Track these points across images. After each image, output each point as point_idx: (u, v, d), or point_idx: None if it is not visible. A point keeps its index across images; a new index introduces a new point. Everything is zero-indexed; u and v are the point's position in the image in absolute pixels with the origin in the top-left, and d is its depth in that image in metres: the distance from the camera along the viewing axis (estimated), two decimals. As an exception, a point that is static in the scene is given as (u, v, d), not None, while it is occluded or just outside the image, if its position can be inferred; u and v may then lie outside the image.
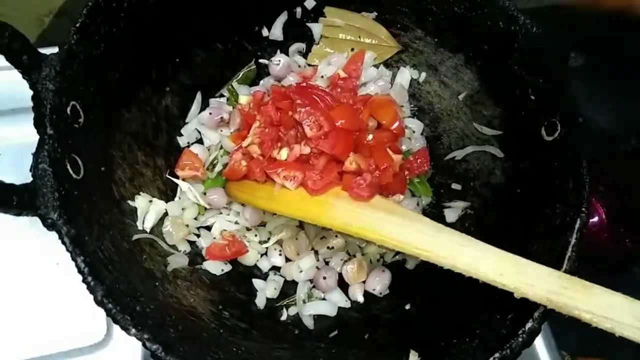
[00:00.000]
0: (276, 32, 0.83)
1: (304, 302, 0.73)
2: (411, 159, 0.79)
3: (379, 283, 0.74)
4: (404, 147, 0.80)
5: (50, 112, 0.54)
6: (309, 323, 0.72)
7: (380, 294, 0.74)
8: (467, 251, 0.55)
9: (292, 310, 0.73)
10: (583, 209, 0.58)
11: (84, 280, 0.50)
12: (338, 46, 0.84)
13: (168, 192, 0.75)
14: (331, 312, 0.73)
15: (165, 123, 0.78)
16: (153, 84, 0.75)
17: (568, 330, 0.84)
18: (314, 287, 0.75)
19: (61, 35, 0.58)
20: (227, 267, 0.75)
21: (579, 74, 1.08)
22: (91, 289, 0.50)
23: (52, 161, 0.53)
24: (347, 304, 0.74)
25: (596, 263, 0.93)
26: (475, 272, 0.53)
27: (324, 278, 0.73)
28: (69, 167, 0.55)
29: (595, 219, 0.93)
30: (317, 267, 0.75)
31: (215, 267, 0.73)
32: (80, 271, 0.51)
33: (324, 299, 0.74)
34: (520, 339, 0.53)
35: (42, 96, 0.55)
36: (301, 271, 0.74)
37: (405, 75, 0.84)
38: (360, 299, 0.74)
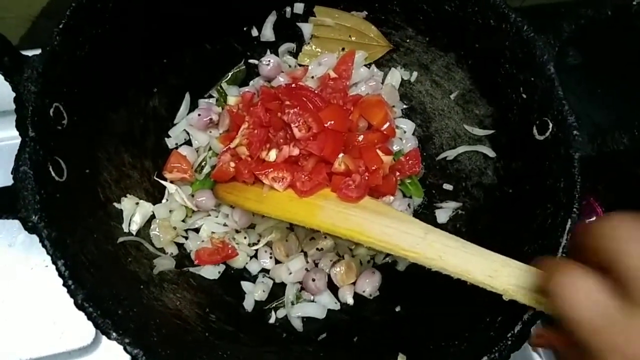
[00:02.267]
0: (267, 33, 0.82)
1: (293, 304, 0.72)
2: (402, 159, 0.78)
3: (369, 285, 0.73)
4: (395, 148, 0.79)
5: (32, 114, 0.54)
6: (298, 325, 0.71)
7: (370, 295, 0.73)
8: (456, 253, 0.53)
9: (281, 313, 0.72)
10: (574, 209, 0.57)
11: (64, 284, 0.50)
12: (328, 46, 0.83)
13: (155, 194, 0.74)
14: (320, 314, 0.72)
15: (153, 124, 0.77)
16: (140, 85, 0.74)
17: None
18: (302, 289, 0.74)
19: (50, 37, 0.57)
20: (221, 268, 0.74)
21: (575, 72, 1.07)
22: (71, 293, 0.50)
23: (33, 163, 0.52)
24: (337, 306, 0.73)
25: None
26: (463, 273, 0.52)
27: (313, 280, 0.72)
28: (51, 169, 0.55)
29: (594, 218, 0.91)
30: (307, 269, 0.74)
31: (211, 271, 0.73)
32: (60, 274, 0.50)
33: (312, 301, 0.73)
34: (509, 342, 0.52)
35: (23, 98, 0.54)
36: (290, 273, 0.73)
37: (396, 75, 0.83)
38: (350, 301, 0.73)
